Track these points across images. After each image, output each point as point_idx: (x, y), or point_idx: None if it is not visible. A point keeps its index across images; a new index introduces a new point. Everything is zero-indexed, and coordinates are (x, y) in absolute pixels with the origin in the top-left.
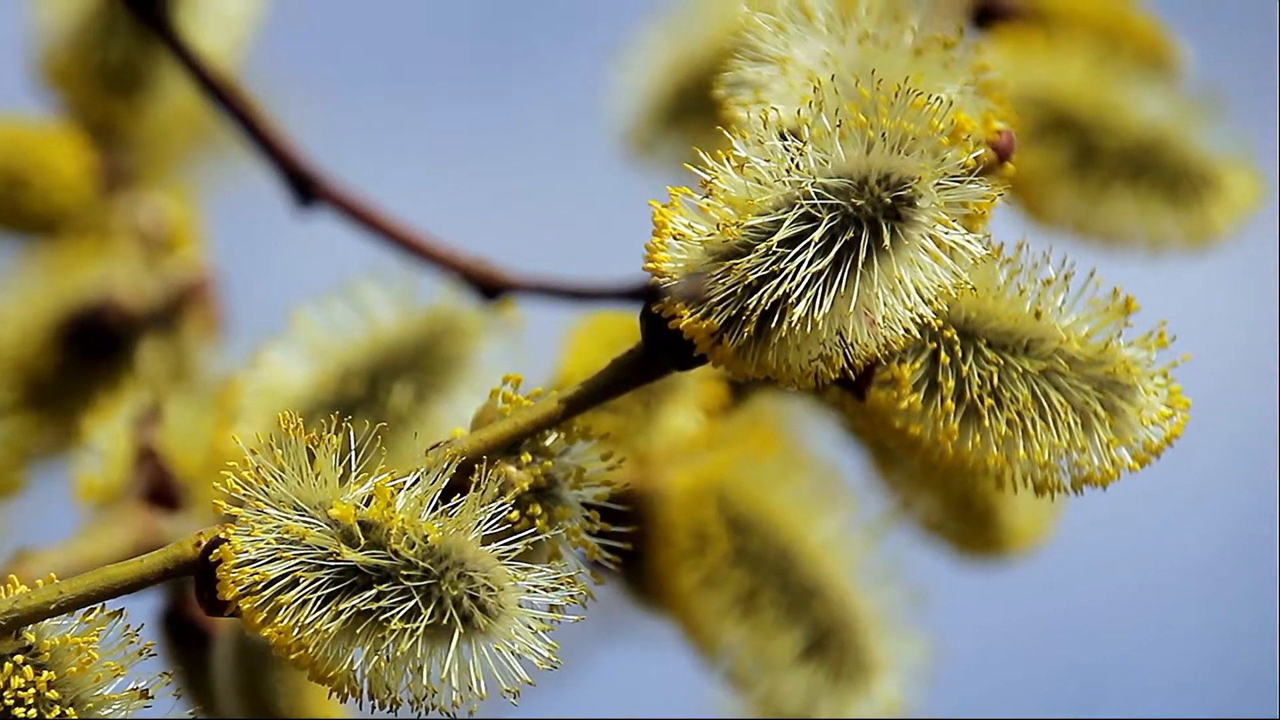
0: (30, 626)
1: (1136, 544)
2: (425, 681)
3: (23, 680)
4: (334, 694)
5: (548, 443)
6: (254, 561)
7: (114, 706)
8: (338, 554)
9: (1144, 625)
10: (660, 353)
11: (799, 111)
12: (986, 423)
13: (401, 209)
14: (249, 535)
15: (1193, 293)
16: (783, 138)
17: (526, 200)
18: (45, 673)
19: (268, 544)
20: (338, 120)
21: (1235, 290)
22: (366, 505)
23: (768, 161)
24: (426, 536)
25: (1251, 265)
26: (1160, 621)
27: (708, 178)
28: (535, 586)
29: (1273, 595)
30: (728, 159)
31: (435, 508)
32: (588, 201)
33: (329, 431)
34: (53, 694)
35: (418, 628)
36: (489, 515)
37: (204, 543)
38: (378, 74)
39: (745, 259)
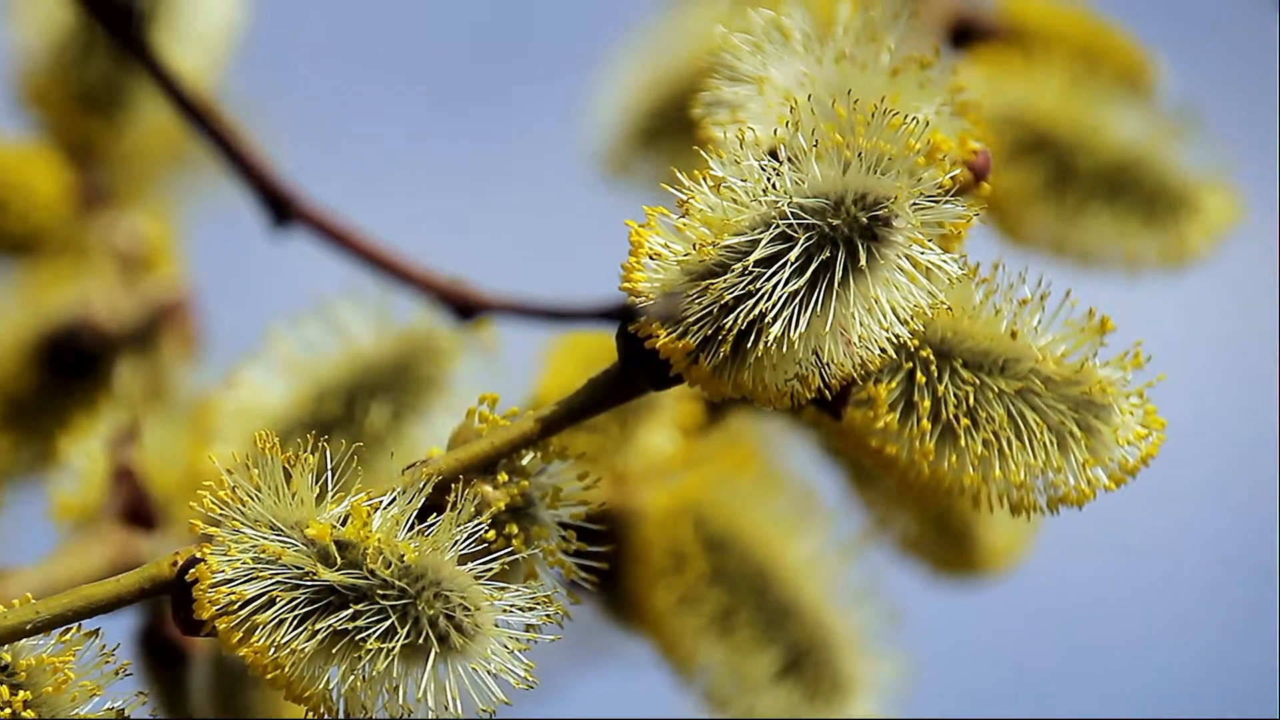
0: (6, 646)
1: (1115, 563)
2: (401, 701)
3: None
4: (310, 713)
5: (524, 462)
6: (230, 581)
7: None
8: (314, 573)
9: (1122, 646)
10: (637, 372)
11: (776, 131)
12: (963, 442)
13: (377, 229)
14: (225, 555)
15: (1169, 312)
16: (761, 157)
17: (502, 220)
18: (21, 692)
19: (244, 563)
20: (314, 141)
21: (1212, 309)
22: (343, 525)
23: (744, 181)
24: (403, 556)
25: (1228, 284)
26: (1139, 641)
27: (684, 197)
28: (512, 606)
29: (1255, 613)
30: (704, 179)
31: (412, 527)
32: (564, 221)
33: (305, 451)
34: (29, 714)
35: (394, 647)
36: (465, 535)
37: (180, 562)
38: (354, 95)
39: (721, 279)
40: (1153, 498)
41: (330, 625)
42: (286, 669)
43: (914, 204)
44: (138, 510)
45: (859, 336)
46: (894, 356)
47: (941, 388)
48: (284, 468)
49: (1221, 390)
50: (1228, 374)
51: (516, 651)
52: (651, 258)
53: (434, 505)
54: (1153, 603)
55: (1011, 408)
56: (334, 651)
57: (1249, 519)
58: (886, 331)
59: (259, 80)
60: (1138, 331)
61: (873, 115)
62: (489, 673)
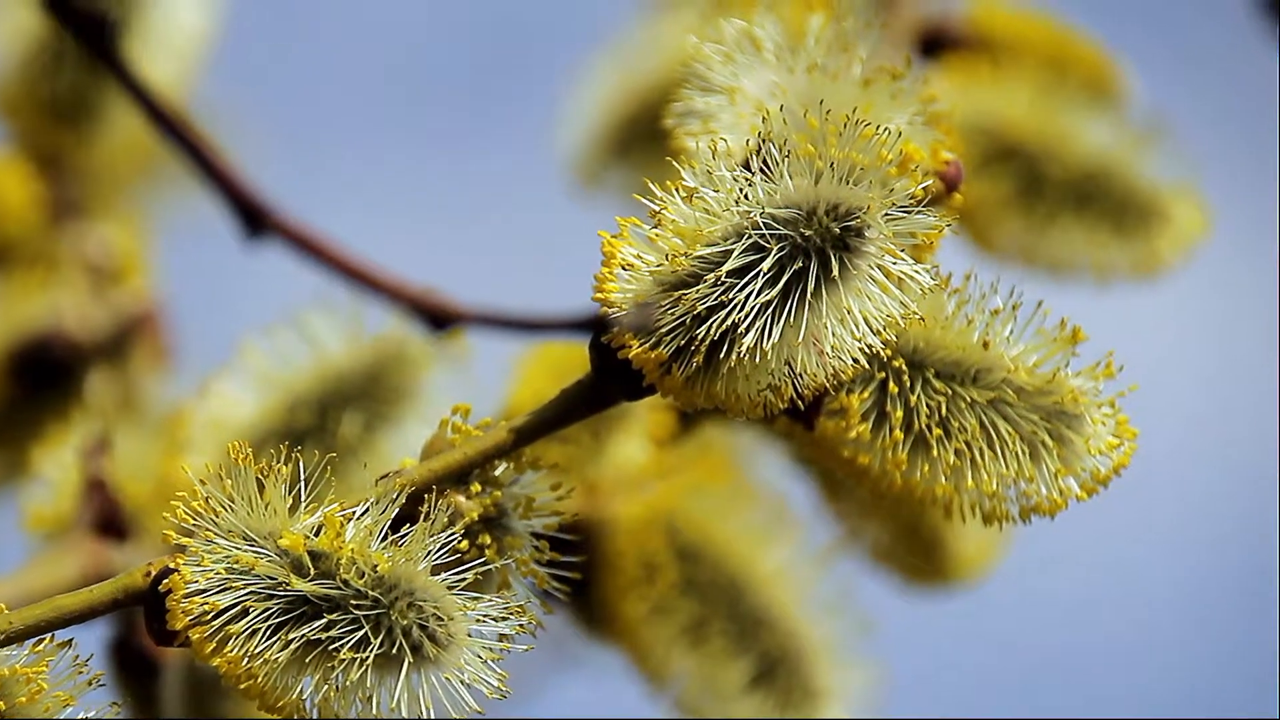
0: None
1: (1088, 572)
2: (375, 711)
3: None
4: None
5: (497, 472)
6: (203, 591)
7: None
8: (287, 584)
9: (1095, 655)
10: (609, 383)
11: (748, 142)
12: (935, 452)
13: (350, 241)
14: (198, 565)
15: (1142, 322)
16: (733, 168)
17: (475, 231)
18: None
19: (217, 574)
20: (287, 153)
21: (1189, 319)
22: (316, 535)
23: (716, 192)
24: (376, 566)
25: (1200, 294)
26: (1113, 651)
27: (656, 208)
28: (485, 616)
29: (1239, 622)
30: (676, 189)
31: (385, 537)
32: (536, 232)
33: (278, 461)
34: None
35: (367, 657)
36: (438, 545)
37: (153, 573)
38: (328, 108)
39: (694, 289)
40: (1126, 506)
41: (304, 635)
42: (260, 679)
43: (886, 214)
44: (110, 521)
45: (831, 347)
46: (866, 367)
47: (914, 398)
48: (257, 478)
49: (1207, 397)
50: (1214, 381)
51: (489, 661)
52: (624, 268)
53: (407, 516)
54: (1126, 613)
55: (984, 418)
56: (307, 661)
57: (1233, 525)
58: (859, 342)
59: (234, 90)
60: (1115, 340)
61: (845, 126)
62: (462, 682)
